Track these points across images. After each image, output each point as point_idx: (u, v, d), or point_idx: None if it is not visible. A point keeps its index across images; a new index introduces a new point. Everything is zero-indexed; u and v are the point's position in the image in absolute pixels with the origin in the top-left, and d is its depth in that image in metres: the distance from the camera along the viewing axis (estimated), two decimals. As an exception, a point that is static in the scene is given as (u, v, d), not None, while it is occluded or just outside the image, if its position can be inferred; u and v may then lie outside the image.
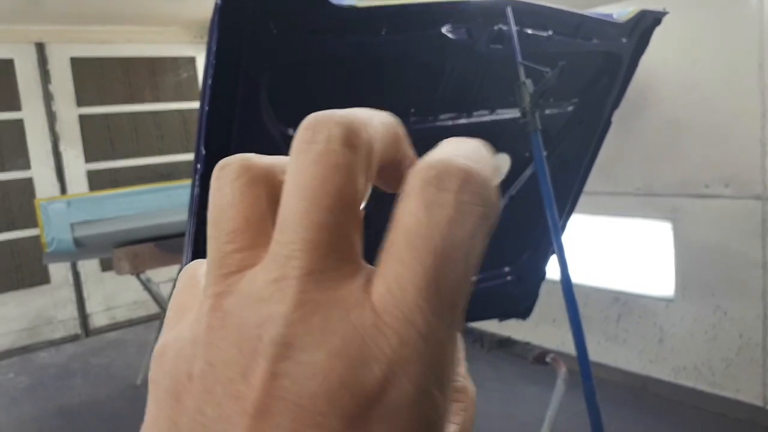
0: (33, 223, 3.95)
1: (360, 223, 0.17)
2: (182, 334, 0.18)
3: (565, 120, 2.15)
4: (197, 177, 1.40)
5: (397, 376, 0.15)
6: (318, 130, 0.17)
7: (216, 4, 1.24)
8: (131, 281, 3.71)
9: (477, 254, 0.16)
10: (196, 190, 1.42)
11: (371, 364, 0.15)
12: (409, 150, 0.19)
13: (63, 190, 4.95)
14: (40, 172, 4.90)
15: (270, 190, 0.18)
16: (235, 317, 0.16)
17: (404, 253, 0.16)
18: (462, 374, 0.20)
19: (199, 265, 0.21)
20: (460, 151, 0.17)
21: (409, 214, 0.16)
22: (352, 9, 1.45)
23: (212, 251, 0.18)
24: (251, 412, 0.15)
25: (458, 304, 0.16)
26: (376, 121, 0.18)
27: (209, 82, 1.31)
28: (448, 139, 0.18)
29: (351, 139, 0.17)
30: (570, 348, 1.96)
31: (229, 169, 0.18)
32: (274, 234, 0.17)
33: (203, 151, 1.38)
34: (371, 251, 0.17)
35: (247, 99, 1.38)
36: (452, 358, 0.16)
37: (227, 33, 1.28)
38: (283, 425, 0.15)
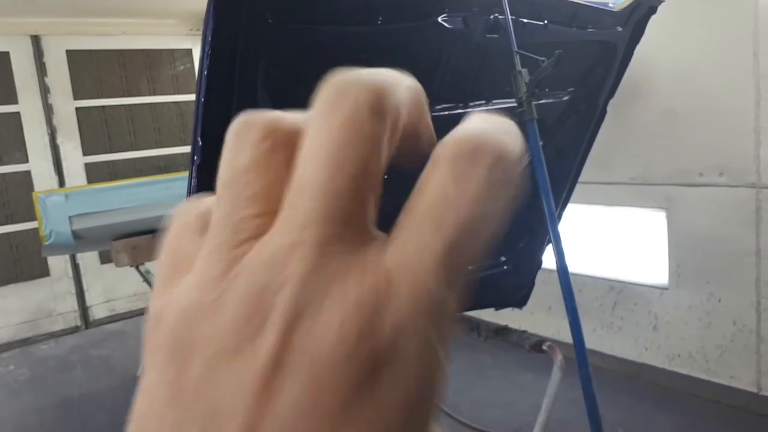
0: (31, 216, 3.95)
1: (378, 193, 0.17)
2: (184, 297, 0.17)
3: (561, 110, 2.15)
4: (194, 168, 1.41)
5: (406, 331, 0.15)
6: (346, 92, 0.16)
7: (211, -6, 1.24)
8: (130, 273, 3.72)
9: (496, 231, 0.17)
10: (194, 181, 1.43)
11: (384, 320, 0.15)
12: (429, 121, 0.19)
13: (61, 182, 4.95)
14: (38, 165, 4.90)
15: (291, 155, 0.17)
16: (249, 280, 0.16)
17: (426, 220, 0.16)
18: None
19: (197, 207, 0.20)
20: (494, 126, 0.17)
21: (437, 184, 0.16)
22: (348, -1, 1.46)
23: (226, 214, 0.17)
24: (265, 366, 0.15)
25: (466, 277, 0.17)
26: (403, 87, 0.17)
27: (205, 72, 1.31)
28: (478, 113, 0.18)
29: (379, 106, 0.16)
30: (566, 336, 1.98)
31: (252, 131, 0.17)
32: (290, 197, 0.16)
33: (200, 143, 1.38)
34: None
35: (244, 89, 1.39)
36: (453, 322, 0.17)
37: (223, 23, 1.28)
38: (299, 378, 0.15)
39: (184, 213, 0.20)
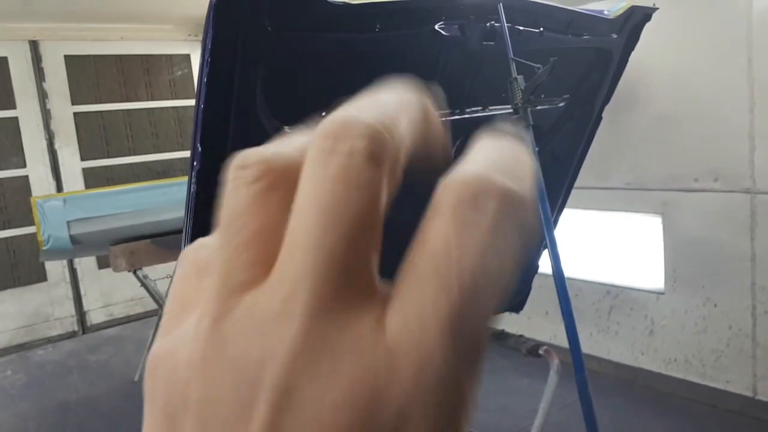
0: (29, 221, 3.95)
1: (379, 245, 0.15)
2: (178, 347, 0.16)
3: (557, 116, 2.17)
4: (193, 174, 1.42)
5: (412, 419, 0.13)
6: (340, 138, 0.15)
7: (211, 2, 1.25)
8: (128, 278, 3.72)
9: (509, 288, 0.14)
10: (193, 187, 1.43)
11: (382, 413, 0.13)
12: (440, 130, 0.17)
13: (59, 187, 4.95)
14: (36, 170, 4.90)
15: (290, 193, 0.16)
16: (234, 348, 0.15)
17: (428, 281, 0.14)
18: None
19: (203, 248, 0.19)
20: (500, 163, 0.15)
21: (439, 236, 0.14)
22: (346, 6, 1.47)
23: (220, 261, 0.16)
24: None
25: (483, 343, 0.14)
26: (405, 118, 0.16)
27: (204, 79, 1.33)
28: (486, 137, 0.16)
29: (377, 152, 0.14)
30: (562, 340, 1.99)
31: (247, 171, 0.16)
32: (282, 252, 0.15)
33: (199, 148, 1.39)
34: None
35: (243, 96, 1.40)
36: (470, 403, 0.14)
37: (222, 31, 1.30)
38: None
39: (193, 251, 0.19)
